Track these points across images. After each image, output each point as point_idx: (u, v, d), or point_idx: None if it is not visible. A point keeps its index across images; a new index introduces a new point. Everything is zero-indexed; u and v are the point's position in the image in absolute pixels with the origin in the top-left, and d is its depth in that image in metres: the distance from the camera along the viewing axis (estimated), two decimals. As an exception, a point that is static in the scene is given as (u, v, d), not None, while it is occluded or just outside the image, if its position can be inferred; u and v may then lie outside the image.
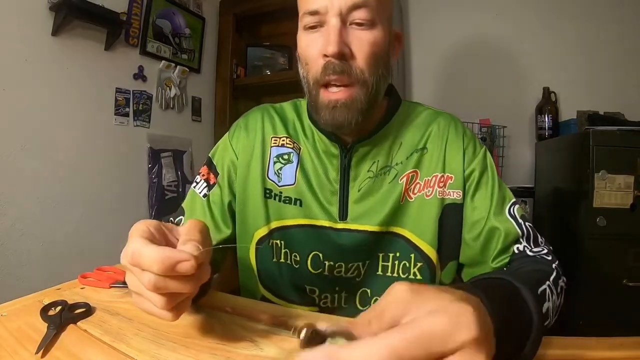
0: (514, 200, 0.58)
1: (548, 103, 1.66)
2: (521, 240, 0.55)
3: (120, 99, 1.46)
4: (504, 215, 0.56)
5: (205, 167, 0.66)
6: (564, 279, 0.49)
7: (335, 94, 0.51)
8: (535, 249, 0.54)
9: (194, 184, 0.65)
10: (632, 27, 1.62)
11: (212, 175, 0.64)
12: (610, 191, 1.20)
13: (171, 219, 0.63)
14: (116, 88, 1.44)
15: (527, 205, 1.60)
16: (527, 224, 0.55)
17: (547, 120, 1.65)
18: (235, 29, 1.95)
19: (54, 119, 1.23)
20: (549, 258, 0.52)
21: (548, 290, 0.42)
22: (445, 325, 0.20)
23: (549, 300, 0.41)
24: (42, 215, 1.20)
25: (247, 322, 0.42)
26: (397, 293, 0.24)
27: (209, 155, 0.67)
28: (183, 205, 0.64)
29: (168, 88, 1.65)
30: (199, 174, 0.65)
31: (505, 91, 1.83)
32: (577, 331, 1.22)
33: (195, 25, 1.80)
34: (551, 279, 0.45)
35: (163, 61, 1.61)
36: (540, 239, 0.56)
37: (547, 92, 1.67)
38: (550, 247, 0.56)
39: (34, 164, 1.18)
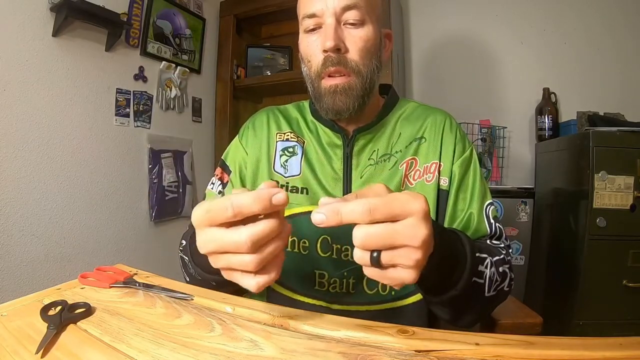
0: (491, 201, 0.63)
1: (548, 104, 1.66)
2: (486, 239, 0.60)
3: (121, 99, 1.46)
4: (482, 214, 0.61)
5: (219, 168, 0.71)
6: (510, 269, 0.54)
7: (335, 79, 0.58)
8: (494, 242, 0.60)
9: (210, 185, 0.69)
10: (632, 28, 1.63)
11: (225, 175, 0.69)
12: (610, 192, 1.20)
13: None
14: (117, 89, 1.44)
15: (527, 205, 1.60)
16: (497, 224, 0.61)
17: (547, 121, 1.65)
18: (236, 30, 1.95)
19: (54, 120, 1.23)
20: (502, 247, 0.58)
21: (488, 261, 0.49)
22: (406, 198, 0.32)
23: (485, 267, 0.48)
24: (42, 215, 1.20)
25: (247, 322, 0.42)
26: (378, 187, 0.35)
27: (222, 157, 0.72)
28: None
29: (168, 89, 1.65)
30: (214, 176, 0.70)
31: (505, 91, 1.83)
32: (577, 331, 1.22)
33: (196, 26, 1.80)
34: (494, 258, 0.51)
35: (163, 62, 1.61)
36: (504, 237, 0.62)
37: (547, 92, 1.67)
38: (509, 245, 0.62)
39: (34, 164, 1.18)
